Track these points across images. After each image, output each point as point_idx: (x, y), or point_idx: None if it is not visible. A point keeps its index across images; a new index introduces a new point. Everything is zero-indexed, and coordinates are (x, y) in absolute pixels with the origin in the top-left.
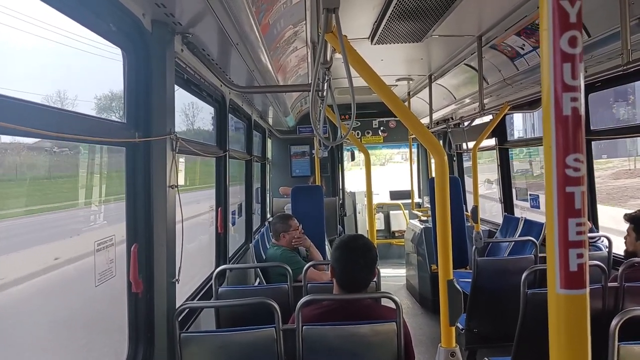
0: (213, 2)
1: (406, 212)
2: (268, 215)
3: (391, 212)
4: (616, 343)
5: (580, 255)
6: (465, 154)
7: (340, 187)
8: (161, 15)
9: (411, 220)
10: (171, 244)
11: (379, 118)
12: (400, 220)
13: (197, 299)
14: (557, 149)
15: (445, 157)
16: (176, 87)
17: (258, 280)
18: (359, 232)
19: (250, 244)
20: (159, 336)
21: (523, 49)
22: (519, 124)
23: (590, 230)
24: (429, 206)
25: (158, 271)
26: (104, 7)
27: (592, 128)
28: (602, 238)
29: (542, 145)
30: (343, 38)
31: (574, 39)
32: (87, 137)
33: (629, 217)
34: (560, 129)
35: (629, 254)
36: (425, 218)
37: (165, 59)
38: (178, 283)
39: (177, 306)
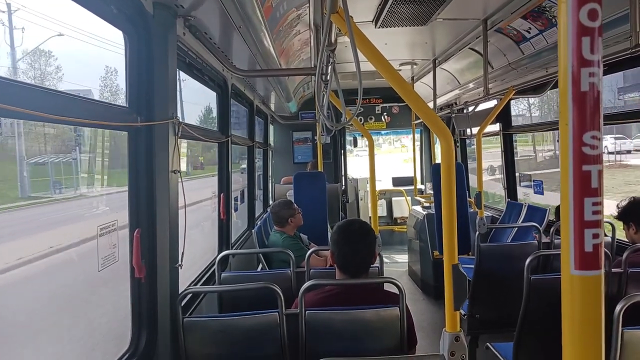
0: None
1: (408, 198)
2: (270, 202)
3: (393, 198)
4: (620, 328)
5: (596, 236)
6: (469, 139)
7: (343, 174)
8: None
9: (413, 207)
10: (174, 229)
11: (382, 104)
12: (403, 207)
13: (200, 284)
14: (574, 127)
15: (452, 141)
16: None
17: (261, 266)
18: (362, 218)
19: (253, 230)
20: (162, 321)
21: (529, 32)
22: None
23: None
24: (432, 192)
25: (161, 256)
26: None
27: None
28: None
29: (548, 130)
30: (350, 19)
31: (594, 11)
32: (89, 120)
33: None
34: (577, 106)
35: None
36: (427, 204)
37: (167, 43)
38: (181, 268)
39: (180, 291)
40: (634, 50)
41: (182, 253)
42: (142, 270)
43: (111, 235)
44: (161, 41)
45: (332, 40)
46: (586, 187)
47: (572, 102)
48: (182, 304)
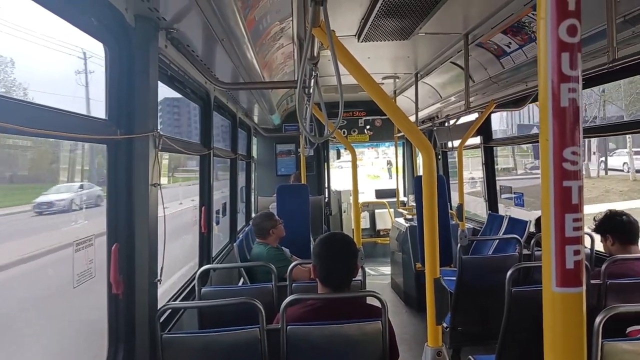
0: None
1: (391, 210)
2: (253, 215)
3: (376, 210)
4: (600, 340)
5: (577, 252)
6: (450, 152)
7: (326, 186)
8: (144, 10)
9: (396, 219)
10: (153, 243)
11: (365, 116)
12: (386, 219)
13: (179, 299)
14: (554, 142)
15: (434, 154)
16: (160, 84)
17: (242, 280)
18: (344, 231)
19: (234, 244)
20: (140, 337)
21: (509, 47)
22: None
23: None
24: (414, 204)
25: (139, 271)
26: (86, 0)
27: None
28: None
29: (527, 143)
30: (331, 33)
31: (573, 27)
32: (67, 133)
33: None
34: (557, 121)
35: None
36: (410, 216)
37: (148, 55)
38: (160, 283)
39: (159, 307)
40: (611, 65)
41: (162, 268)
42: (119, 286)
43: (87, 251)
44: (142, 53)
45: (315, 54)
46: (567, 203)
47: (552, 117)
48: (161, 319)
